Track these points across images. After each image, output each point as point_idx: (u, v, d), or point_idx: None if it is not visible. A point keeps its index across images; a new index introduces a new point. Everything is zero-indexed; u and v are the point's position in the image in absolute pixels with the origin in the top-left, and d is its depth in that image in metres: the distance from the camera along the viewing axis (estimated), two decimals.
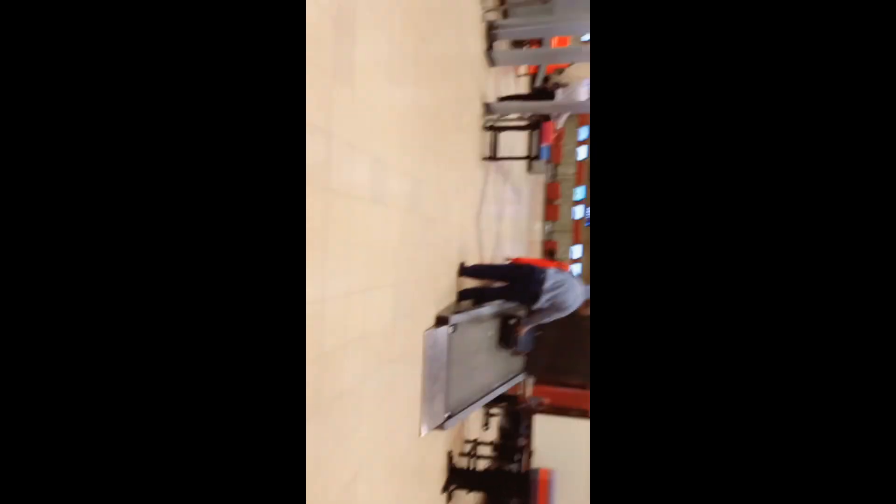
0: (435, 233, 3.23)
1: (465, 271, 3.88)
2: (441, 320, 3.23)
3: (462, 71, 3.85)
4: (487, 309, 3.79)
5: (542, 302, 3.41)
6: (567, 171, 18.26)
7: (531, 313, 3.63)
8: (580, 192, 18.10)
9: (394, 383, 2.56)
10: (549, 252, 6.94)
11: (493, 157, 4.95)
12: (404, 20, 2.38)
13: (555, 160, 17.07)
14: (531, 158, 5.20)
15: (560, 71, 11.67)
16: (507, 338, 4.10)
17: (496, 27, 4.60)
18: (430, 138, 2.99)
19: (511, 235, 8.48)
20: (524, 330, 3.96)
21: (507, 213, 7.60)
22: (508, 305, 3.91)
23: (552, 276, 3.44)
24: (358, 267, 2.04)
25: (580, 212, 18.23)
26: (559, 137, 15.56)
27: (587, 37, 8.75)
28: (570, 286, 3.43)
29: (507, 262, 3.83)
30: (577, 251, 18.26)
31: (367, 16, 1.95)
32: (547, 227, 17.89)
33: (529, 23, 4.62)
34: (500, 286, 3.72)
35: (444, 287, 3.50)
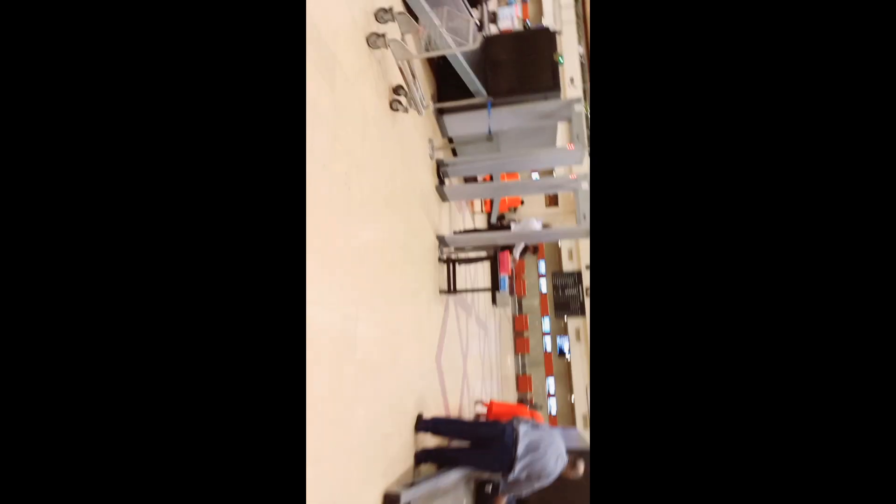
0: (381, 382, 2.67)
1: (422, 425, 3.22)
2: (390, 500, 2.49)
3: (411, 205, 3.69)
4: (454, 475, 3.06)
5: (518, 472, 2.77)
6: (532, 302, 18.33)
7: (507, 483, 2.93)
8: (547, 324, 17.94)
9: None
10: (521, 399, 6.32)
11: (450, 290, 4.62)
12: (337, 149, 2.18)
13: (518, 293, 17.20)
14: (492, 290, 4.91)
15: (514, 209, 12.33)
16: None
17: (445, 165, 4.65)
18: (372, 274, 2.63)
19: (480, 373, 7.82)
20: (503, 500, 3.19)
21: (473, 349, 7.07)
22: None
23: (525, 434, 2.85)
24: None
25: (549, 343, 17.87)
26: (520, 271, 15.88)
27: (536, 174, 9.36)
28: (549, 444, 2.82)
29: (473, 419, 3.21)
30: (551, 385, 17.41)
31: None
32: (518, 361, 17.24)
33: (477, 160, 4.71)
34: (466, 449, 3.04)
35: (395, 450, 2.81)
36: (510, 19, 14.32)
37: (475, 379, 7.12)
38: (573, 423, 16.67)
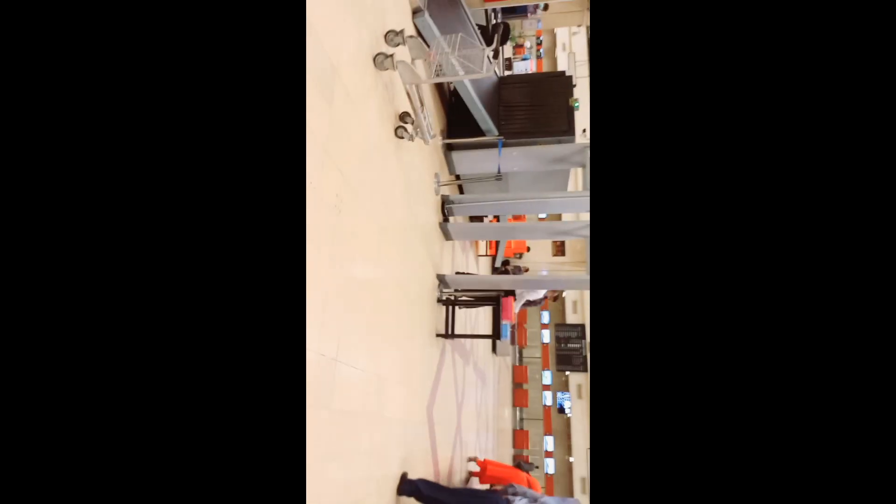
0: (360, 435, 2.34)
1: (406, 488, 2.84)
2: None
3: (410, 240, 3.47)
4: None
5: None
6: (533, 354, 17.74)
7: None
8: (548, 377, 17.27)
9: None
10: (518, 464, 5.86)
11: (448, 335, 4.31)
12: (328, 169, 1.98)
13: (520, 343, 16.68)
14: (493, 337, 4.59)
15: (519, 255, 12.12)
16: None
17: (451, 202, 4.47)
18: (360, 310, 2.36)
19: (475, 426, 7.33)
20: None
21: (469, 399, 6.63)
22: None
23: None
24: None
25: (549, 397, 17.12)
26: (522, 320, 15.48)
27: (543, 216, 9.19)
28: None
29: (465, 481, 2.82)
30: (549, 443, 16.52)
31: None
32: (516, 415, 16.47)
33: (485, 199, 4.53)
34: None
35: None
36: (524, 71, 14.71)
37: (469, 432, 6.64)
38: (570, 485, 15.67)
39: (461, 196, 4.65)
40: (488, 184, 4.74)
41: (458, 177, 4.67)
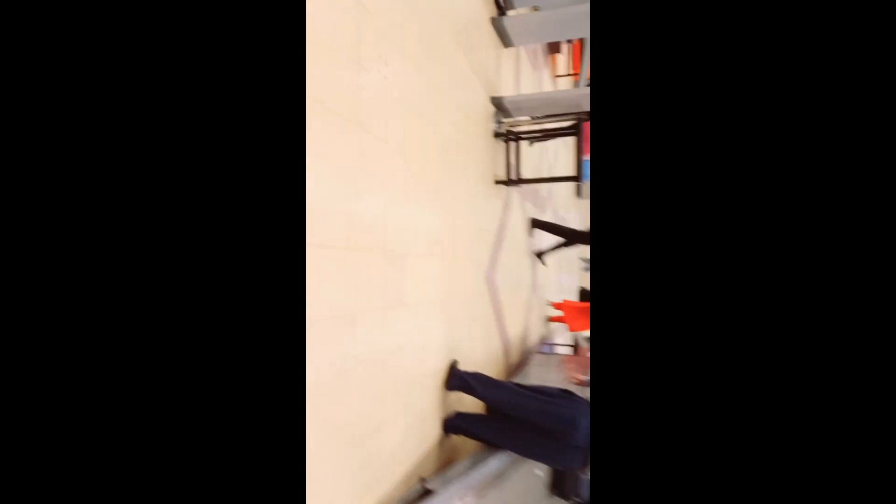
0: (389, 320, 1.56)
1: (454, 383, 2.17)
2: None
3: (441, 41, 2.24)
4: (495, 463, 2.03)
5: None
6: None
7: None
8: None
9: None
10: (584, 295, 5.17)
11: (510, 181, 3.24)
12: None
13: None
14: (571, 179, 3.43)
15: None
16: (561, 485, 2.50)
17: None
18: (372, 151, 1.38)
19: (557, 273, 6.64)
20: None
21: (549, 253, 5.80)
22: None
23: None
24: None
25: None
26: None
27: None
28: None
29: (527, 387, 2.06)
30: None
31: None
32: None
33: None
34: (518, 428, 1.95)
35: (403, 425, 1.80)
36: None
37: (549, 284, 5.97)
38: None
39: None
40: None
41: None
